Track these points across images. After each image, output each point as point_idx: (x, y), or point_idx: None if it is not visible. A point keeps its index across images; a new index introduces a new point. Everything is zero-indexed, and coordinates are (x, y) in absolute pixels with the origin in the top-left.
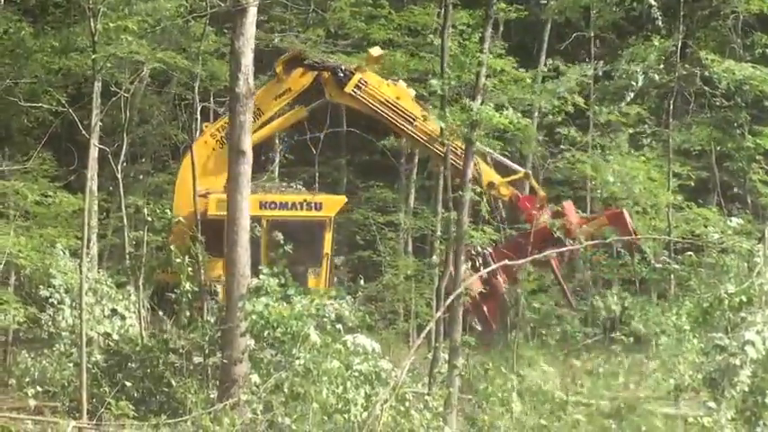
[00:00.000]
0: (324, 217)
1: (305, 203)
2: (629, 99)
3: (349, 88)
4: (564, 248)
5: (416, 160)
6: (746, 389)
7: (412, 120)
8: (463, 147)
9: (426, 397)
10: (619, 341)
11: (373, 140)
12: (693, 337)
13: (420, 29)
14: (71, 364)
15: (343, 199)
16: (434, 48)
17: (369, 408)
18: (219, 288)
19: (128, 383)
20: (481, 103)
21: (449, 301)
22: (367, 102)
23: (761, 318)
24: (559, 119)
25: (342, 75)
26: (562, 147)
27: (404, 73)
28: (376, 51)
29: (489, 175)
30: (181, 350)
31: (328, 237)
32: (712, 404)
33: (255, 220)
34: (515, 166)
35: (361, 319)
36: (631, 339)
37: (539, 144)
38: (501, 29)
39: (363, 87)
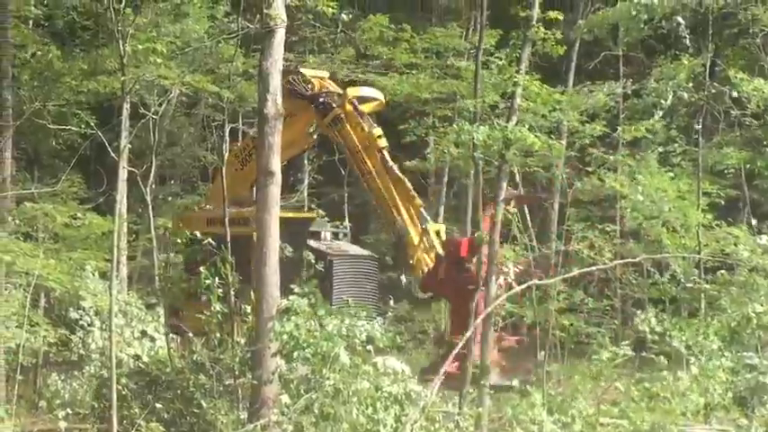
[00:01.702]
0: (251, 231)
1: (239, 219)
2: (657, 117)
3: (326, 121)
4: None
5: (445, 180)
6: None
7: (367, 172)
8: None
9: (456, 417)
10: (650, 361)
11: (401, 162)
12: (723, 356)
13: (444, 51)
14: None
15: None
16: (458, 70)
17: (398, 428)
18: None
19: (158, 405)
20: (516, 123)
21: (479, 320)
22: (338, 140)
23: None
24: (586, 140)
25: (322, 105)
26: (588, 169)
27: (429, 94)
28: (353, 92)
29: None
30: (211, 371)
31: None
32: (743, 422)
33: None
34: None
35: (392, 339)
36: (663, 358)
37: (567, 165)
38: (538, 51)
39: (340, 124)
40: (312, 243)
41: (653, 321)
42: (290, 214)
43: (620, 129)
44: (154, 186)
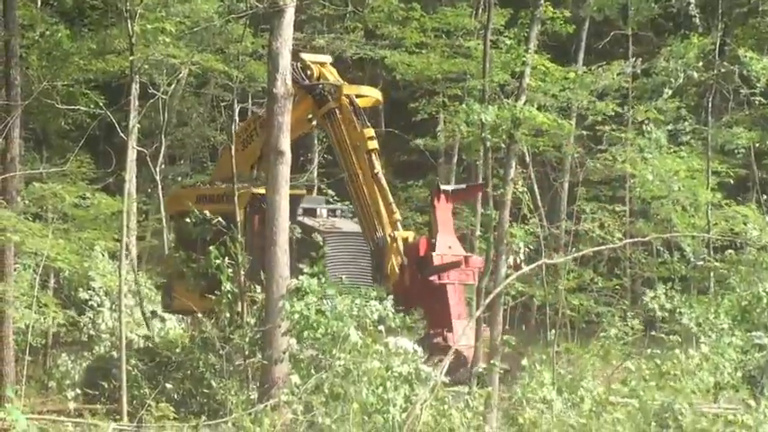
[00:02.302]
0: (234, 209)
1: (224, 196)
2: (667, 96)
3: (321, 112)
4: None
5: (455, 160)
6: None
7: (354, 174)
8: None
9: (466, 396)
10: (660, 339)
11: (411, 140)
12: (733, 335)
13: (453, 30)
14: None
15: (248, 191)
16: (467, 49)
17: (408, 408)
18: None
19: (168, 385)
20: (524, 103)
21: (488, 299)
22: (330, 133)
23: None
24: (599, 118)
25: (318, 96)
26: (600, 147)
27: (439, 74)
28: (350, 89)
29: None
30: (221, 351)
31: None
32: (752, 402)
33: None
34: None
35: (402, 320)
36: (675, 337)
37: (577, 144)
38: (547, 29)
39: (333, 118)
40: (306, 220)
41: (662, 299)
42: None
43: (629, 108)
44: (163, 166)
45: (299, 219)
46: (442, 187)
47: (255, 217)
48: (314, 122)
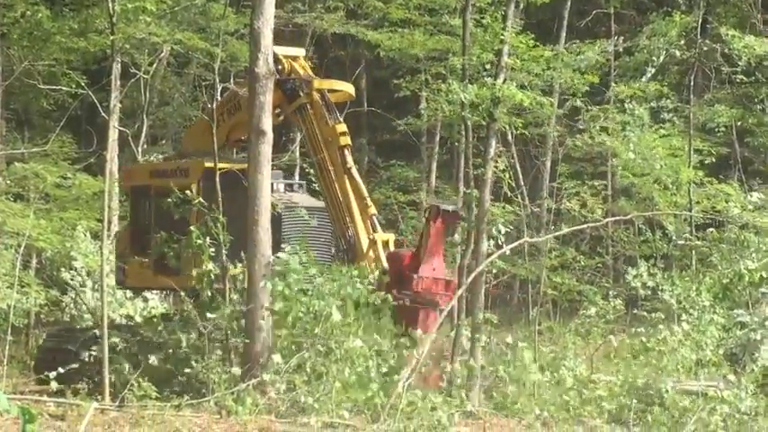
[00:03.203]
0: (188, 183)
1: (177, 170)
2: (650, 74)
3: (292, 107)
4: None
5: (437, 139)
6: (767, 363)
7: (325, 169)
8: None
9: (448, 370)
10: (642, 317)
11: (394, 120)
12: (714, 313)
13: (438, 8)
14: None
15: (201, 163)
16: (452, 27)
17: (390, 387)
18: None
19: (150, 364)
20: (503, 81)
21: (470, 278)
22: (301, 128)
23: None
24: (579, 94)
25: (289, 90)
26: (581, 125)
27: (422, 52)
28: (322, 83)
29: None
30: (202, 330)
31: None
32: (733, 378)
33: (146, 188)
34: None
35: (384, 298)
36: (658, 314)
37: (558, 122)
38: (521, 6)
39: (305, 113)
40: None
41: (645, 276)
42: (229, 165)
43: (611, 86)
44: (145, 146)
45: None
46: (443, 207)
47: (208, 191)
48: (281, 117)
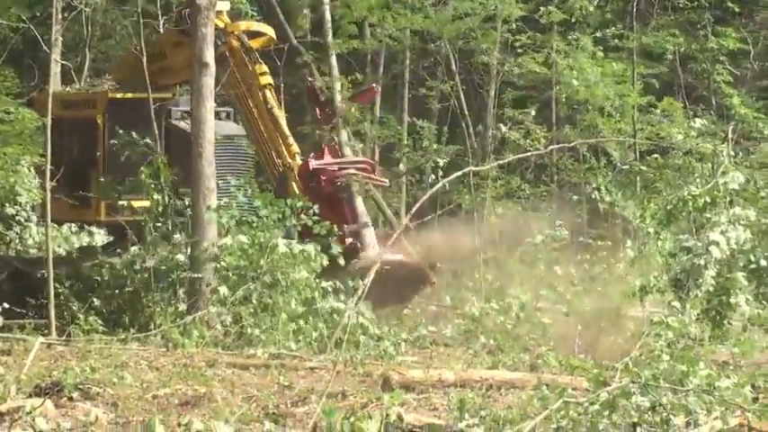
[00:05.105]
0: (94, 114)
1: (85, 101)
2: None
3: (215, 54)
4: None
5: (381, 70)
6: (711, 289)
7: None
8: None
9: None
10: (587, 246)
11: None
12: (659, 239)
13: None
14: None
15: (106, 93)
16: None
17: (337, 316)
18: None
19: (96, 301)
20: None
21: (415, 207)
22: (222, 76)
23: (725, 218)
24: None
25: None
26: (520, 51)
27: None
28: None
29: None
30: (147, 265)
31: (99, 135)
32: (677, 304)
33: (60, 119)
34: None
35: (329, 229)
36: (605, 242)
37: (500, 49)
38: None
39: (224, 61)
40: (181, 124)
41: (603, 191)
42: (143, 95)
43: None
44: (88, 80)
45: (174, 122)
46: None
47: (112, 122)
48: None
